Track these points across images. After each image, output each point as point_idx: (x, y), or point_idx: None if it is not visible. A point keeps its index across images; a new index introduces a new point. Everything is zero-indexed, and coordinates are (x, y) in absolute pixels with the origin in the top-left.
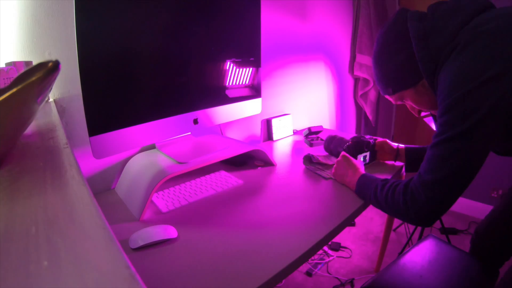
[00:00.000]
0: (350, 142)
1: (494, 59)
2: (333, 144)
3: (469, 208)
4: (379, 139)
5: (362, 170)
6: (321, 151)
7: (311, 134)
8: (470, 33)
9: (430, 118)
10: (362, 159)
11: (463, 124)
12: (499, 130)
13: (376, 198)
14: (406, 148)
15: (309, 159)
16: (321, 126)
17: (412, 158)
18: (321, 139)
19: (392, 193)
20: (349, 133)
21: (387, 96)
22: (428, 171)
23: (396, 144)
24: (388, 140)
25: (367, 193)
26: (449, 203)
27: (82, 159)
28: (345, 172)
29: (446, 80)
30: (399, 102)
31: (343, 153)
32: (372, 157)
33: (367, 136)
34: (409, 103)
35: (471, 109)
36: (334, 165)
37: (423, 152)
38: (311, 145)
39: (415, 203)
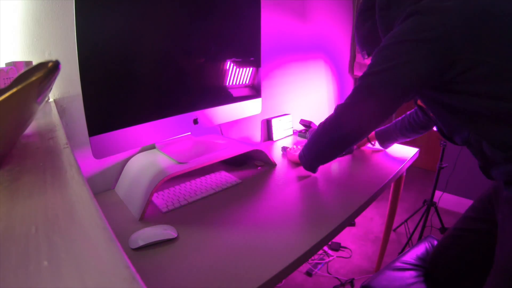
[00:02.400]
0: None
1: (424, 26)
2: (310, 134)
3: None
4: None
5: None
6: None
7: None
8: (422, 6)
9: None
10: None
11: (378, 66)
12: (409, 84)
13: (307, 146)
14: (375, 131)
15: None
16: (312, 122)
17: (382, 136)
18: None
19: (315, 129)
20: None
21: (366, 60)
22: (348, 97)
23: None
24: None
25: (304, 153)
26: (357, 126)
27: (82, 159)
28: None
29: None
30: None
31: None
32: (349, 148)
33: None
34: None
35: (388, 57)
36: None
37: (390, 128)
38: (303, 137)
39: (330, 122)
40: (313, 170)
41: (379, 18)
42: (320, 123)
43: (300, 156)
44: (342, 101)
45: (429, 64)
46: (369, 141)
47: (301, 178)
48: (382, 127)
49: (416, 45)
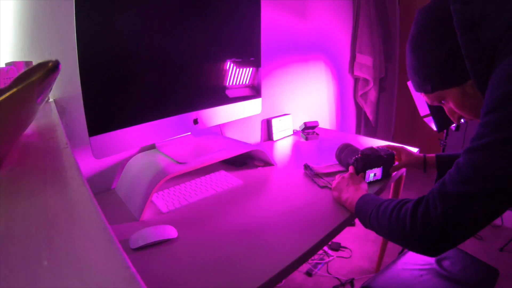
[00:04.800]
0: (359, 155)
1: None
2: (344, 154)
3: None
4: (396, 147)
5: (365, 190)
6: (326, 158)
7: (307, 129)
8: None
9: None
10: (372, 175)
11: (511, 128)
12: None
13: (377, 216)
14: (437, 156)
15: (307, 167)
16: (316, 122)
17: (446, 167)
18: (317, 134)
19: (399, 209)
20: (350, 134)
21: (422, 94)
22: (456, 181)
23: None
24: (406, 147)
25: (368, 211)
26: (471, 229)
27: (82, 159)
28: (345, 188)
29: (497, 76)
30: (436, 103)
31: (351, 169)
32: (385, 173)
33: (382, 148)
34: (449, 106)
35: None
36: (337, 178)
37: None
38: (306, 139)
39: (426, 218)
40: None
41: (464, 44)
42: (410, 209)
43: (361, 218)
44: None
45: None
46: (424, 169)
47: (301, 178)
48: (447, 156)
49: None
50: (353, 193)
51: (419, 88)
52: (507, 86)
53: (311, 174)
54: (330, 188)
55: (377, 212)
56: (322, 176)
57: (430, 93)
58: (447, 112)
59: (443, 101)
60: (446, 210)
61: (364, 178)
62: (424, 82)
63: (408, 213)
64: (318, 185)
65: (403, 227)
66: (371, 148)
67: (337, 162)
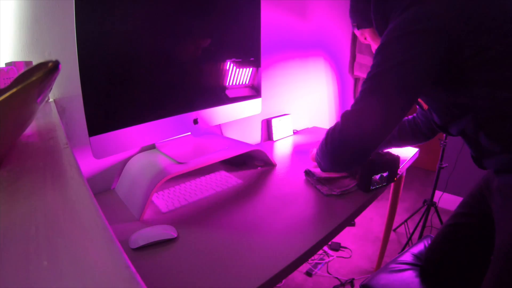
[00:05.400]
0: None
1: (424, 17)
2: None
3: None
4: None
5: None
6: None
7: None
8: None
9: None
10: (378, 180)
11: (382, 65)
12: (416, 80)
13: (317, 154)
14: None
15: (308, 173)
16: None
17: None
18: None
19: (323, 139)
20: None
21: (355, 31)
22: (352, 105)
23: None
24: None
25: (318, 160)
26: (367, 134)
27: (82, 159)
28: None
29: (386, 33)
30: (364, 41)
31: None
32: (390, 177)
33: (385, 152)
34: (369, 42)
35: (392, 54)
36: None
37: None
38: None
39: (334, 137)
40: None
41: (374, 6)
42: (326, 134)
43: (316, 161)
44: (348, 107)
45: (436, 55)
46: None
47: (301, 178)
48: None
49: (419, 36)
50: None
51: (352, 26)
52: (383, 38)
53: (313, 180)
54: (335, 195)
55: (317, 152)
56: (324, 183)
57: (357, 30)
58: (372, 50)
59: (366, 38)
60: (343, 122)
61: (370, 184)
62: (353, 21)
63: (325, 136)
64: (322, 193)
65: (322, 148)
66: (376, 153)
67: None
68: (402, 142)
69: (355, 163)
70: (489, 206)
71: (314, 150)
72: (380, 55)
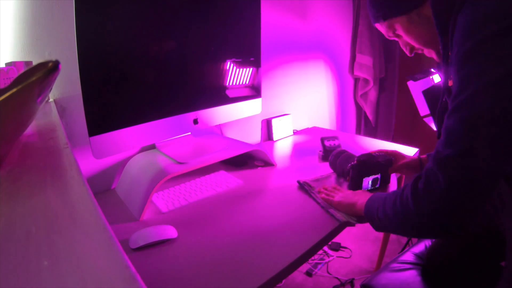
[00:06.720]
0: (355, 162)
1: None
2: (339, 161)
3: None
4: (390, 151)
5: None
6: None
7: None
8: None
9: (430, 118)
10: (370, 182)
11: (493, 72)
12: None
13: (384, 210)
14: (428, 156)
15: (301, 186)
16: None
17: None
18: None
19: (401, 194)
20: (350, 134)
21: (378, 27)
22: (448, 144)
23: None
24: (399, 151)
25: (375, 208)
26: (480, 192)
27: (82, 159)
28: (353, 194)
29: (464, 23)
30: (391, 36)
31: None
32: (384, 180)
33: (379, 153)
34: (401, 37)
35: (500, 56)
36: (338, 198)
37: None
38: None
39: (429, 192)
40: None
41: None
42: (405, 191)
43: (369, 216)
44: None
45: None
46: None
47: (301, 178)
48: None
49: (504, 37)
50: (362, 196)
51: (374, 20)
52: (473, 37)
53: (310, 191)
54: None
55: (383, 206)
56: (318, 185)
57: (383, 22)
58: (401, 46)
59: (395, 32)
60: (448, 175)
61: (361, 186)
62: (377, 12)
63: (409, 194)
64: (321, 206)
65: (408, 210)
66: (368, 154)
67: (332, 171)
68: None
69: (448, 234)
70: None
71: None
72: (476, 60)
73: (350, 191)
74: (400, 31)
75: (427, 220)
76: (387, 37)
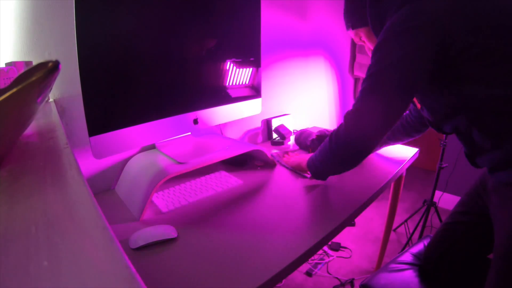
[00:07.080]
0: (314, 136)
1: (417, 13)
2: (302, 137)
3: None
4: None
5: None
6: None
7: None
8: None
9: None
10: None
11: (380, 64)
12: (413, 76)
13: (319, 158)
14: None
15: (273, 157)
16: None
17: None
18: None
19: (328, 142)
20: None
21: (349, 33)
22: (359, 100)
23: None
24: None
25: (313, 159)
26: (368, 133)
27: (82, 159)
28: (299, 160)
29: (382, 33)
30: (358, 41)
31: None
32: None
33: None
34: (365, 43)
35: (388, 53)
36: (292, 159)
37: None
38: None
39: (338, 137)
40: (324, 179)
41: (370, 7)
42: (331, 135)
43: (309, 165)
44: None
45: (431, 49)
46: None
47: (301, 178)
48: None
49: (414, 32)
50: (307, 156)
51: (347, 27)
52: (379, 38)
53: (279, 160)
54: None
55: (318, 155)
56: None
57: (352, 30)
58: (366, 49)
59: (362, 38)
60: (348, 123)
61: None
62: (348, 22)
63: (333, 137)
64: (287, 168)
65: (333, 148)
66: (324, 130)
67: (298, 148)
68: (396, 140)
69: (357, 162)
70: (485, 204)
71: (291, 158)
72: (377, 54)
73: (302, 154)
74: (364, 38)
75: (347, 148)
76: (356, 42)
